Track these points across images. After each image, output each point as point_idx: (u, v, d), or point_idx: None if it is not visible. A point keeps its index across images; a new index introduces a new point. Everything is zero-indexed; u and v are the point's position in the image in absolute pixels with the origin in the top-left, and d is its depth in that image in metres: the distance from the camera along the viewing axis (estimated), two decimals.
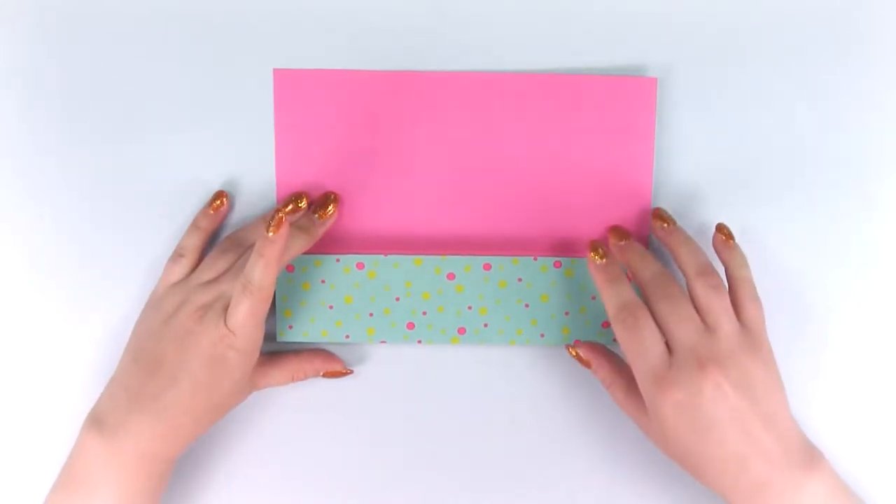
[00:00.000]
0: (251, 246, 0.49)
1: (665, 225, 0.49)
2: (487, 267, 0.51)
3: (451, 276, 0.50)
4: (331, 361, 0.52)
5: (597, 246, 0.48)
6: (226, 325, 0.46)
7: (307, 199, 0.50)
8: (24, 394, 0.52)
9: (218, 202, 0.51)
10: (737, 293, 0.46)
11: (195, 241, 0.50)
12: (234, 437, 0.52)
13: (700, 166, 0.52)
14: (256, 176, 0.51)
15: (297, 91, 0.50)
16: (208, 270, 0.49)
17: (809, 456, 0.44)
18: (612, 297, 0.47)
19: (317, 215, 0.50)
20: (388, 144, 0.51)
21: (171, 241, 0.51)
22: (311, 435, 0.52)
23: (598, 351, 0.49)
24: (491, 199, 0.51)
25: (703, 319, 0.45)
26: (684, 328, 0.44)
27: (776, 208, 0.52)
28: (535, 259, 0.51)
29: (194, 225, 0.51)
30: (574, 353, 0.49)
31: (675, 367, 0.44)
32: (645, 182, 0.51)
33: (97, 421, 0.46)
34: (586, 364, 0.49)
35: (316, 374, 0.51)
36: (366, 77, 0.50)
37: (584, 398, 0.52)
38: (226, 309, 0.46)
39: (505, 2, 0.50)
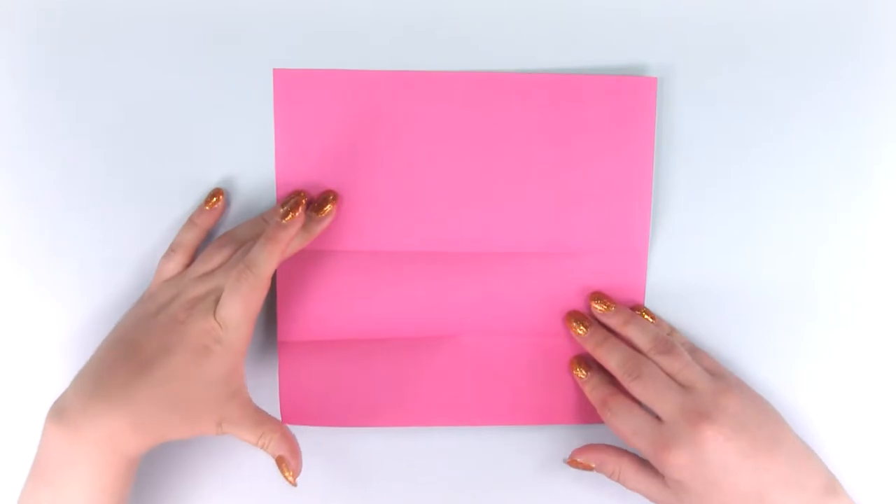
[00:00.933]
0: (247, 242, 0.48)
1: (605, 308, 0.51)
2: None
3: None
4: (294, 457, 0.47)
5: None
6: (215, 317, 0.45)
7: (306, 197, 0.49)
8: (20, 393, 0.52)
9: (214, 199, 0.50)
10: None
11: (190, 238, 0.50)
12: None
13: (700, 166, 0.52)
14: (256, 176, 0.51)
15: (296, 91, 0.50)
16: (203, 265, 0.48)
17: (827, 482, 0.45)
18: (591, 396, 0.50)
19: (315, 213, 0.49)
20: (387, 144, 0.51)
21: (171, 240, 0.51)
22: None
23: (595, 449, 0.50)
24: (490, 198, 0.51)
25: (676, 383, 0.47)
26: (664, 397, 0.46)
27: (777, 208, 0.52)
28: None
29: (190, 221, 0.51)
30: (573, 463, 0.50)
31: (668, 433, 0.46)
32: (645, 182, 0.51)
33: (59, 410, 0.44)
34: (587, 467, 0.50)
35: (273, 454, 0.46)
36: (366, 77, 0.50)
37: None
38: (217, 302, 0.45)
39: (505, 2, 0.50)
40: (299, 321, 0.51)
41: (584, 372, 0.51)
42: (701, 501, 0.45)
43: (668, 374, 0.47)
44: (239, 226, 0.51)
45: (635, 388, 0.47)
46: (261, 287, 0.46)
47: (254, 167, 0.51)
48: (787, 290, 0.52)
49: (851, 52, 0.51)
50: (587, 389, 0.50)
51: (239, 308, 0.45)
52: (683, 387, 0.47)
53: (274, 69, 0.50)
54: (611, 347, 0.49)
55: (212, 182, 0.51)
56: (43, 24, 0.51)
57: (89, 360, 0.46)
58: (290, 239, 0.46)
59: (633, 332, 0.49)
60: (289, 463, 0.46)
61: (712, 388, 0.46)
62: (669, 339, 0.49)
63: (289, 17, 0.50)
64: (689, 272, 0.52)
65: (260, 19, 0.50)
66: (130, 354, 0.45)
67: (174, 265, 0.50)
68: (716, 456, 0.44)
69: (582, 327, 0.50)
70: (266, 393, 0.51)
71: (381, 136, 0.50)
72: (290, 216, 0.46)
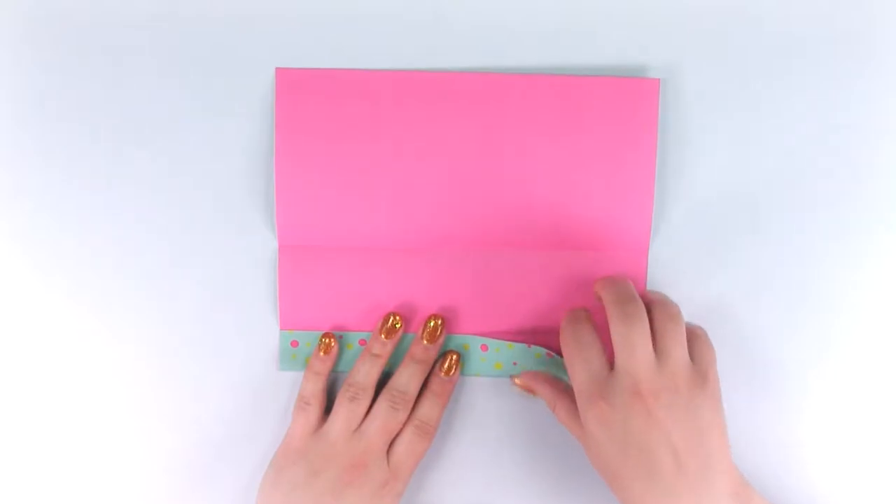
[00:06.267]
0: (369, 387, 0.50)
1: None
2: (484, 348, 0.52)
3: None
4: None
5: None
6: (389, 467, 0.49)
7: (399, 318, 0.51)
8: (24, 395, 0.53)
9: (327, 342, 0.51)
10: (689, 336, 0.46)
11: (318, 387, 0.50)
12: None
13: (702, 167, 0.51)
14: (256, 176, 0.51)
15: (298, 90, 0.50)
16: (347, 422, 0.49)
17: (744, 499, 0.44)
18: (566, 327, 0.48)
19: (426, 342, 0.51)
20: (388, 144, 0.51)
21: (171, 241, 0.52)
22: None
23: (539, 377, 0.50)
24: (492, 199, 0.51)
25: (655, 345, 0.45)
26: (631, 352, 0.44)
27: (778, 208, 0.51)
28: (529, 347, 0.52)
29: (311, 371, 0.51)
30: (518, 383, 0.51)
31: (609, 385, 0.44)
32: (647, 183, 0.50)
33: None
34: (530, 391, 0.51)
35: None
36: (367, 77, 0.50)
37: None
38: (380, 460, 0.48)
39: (507, 3, 0.50)
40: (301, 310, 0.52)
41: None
42: (611, 469, 0.44)
43: (654, 331, 0.45)
44: (356, 369, 0.50)
45: (617, 325, 0.45)
46: (431, 439, 0.50)
47: (254, 167, 0.51)
48: (787, 290, 0.52)
49: (853, 52, 0.51)
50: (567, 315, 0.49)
51: (416, 459, 0.49)
52: (658, 353, 0.45)
53: (277, 68, 0.50)
54: (614, 280, 0.47)
55: (211, 181, 0.51)
56: (44, 24, 0.51)
57: None
58: (452, 391, 0.51)
59: (650, 294, 0.49)
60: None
61: (684, 373, 0.44)
62: (678, 310, 0.46)
63: (290, 16, 0.50)
64: (690, 272, 0.52)
65: (261, 19, 0.51)
66: None
67: (313, 418, 0.50)
68: (641, 432, 0.43)
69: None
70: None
71: (382, 136, 0.50)
72: (453, 371, 0.51)
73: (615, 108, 0.50)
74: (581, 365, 0.46)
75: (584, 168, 0.50)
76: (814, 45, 0.51)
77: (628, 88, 0.50)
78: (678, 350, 0.45)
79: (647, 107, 0.50)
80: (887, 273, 0.52)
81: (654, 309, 0.46)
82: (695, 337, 0.47)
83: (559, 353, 0.50)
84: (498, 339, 0.52)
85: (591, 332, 0.47)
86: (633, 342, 0.44)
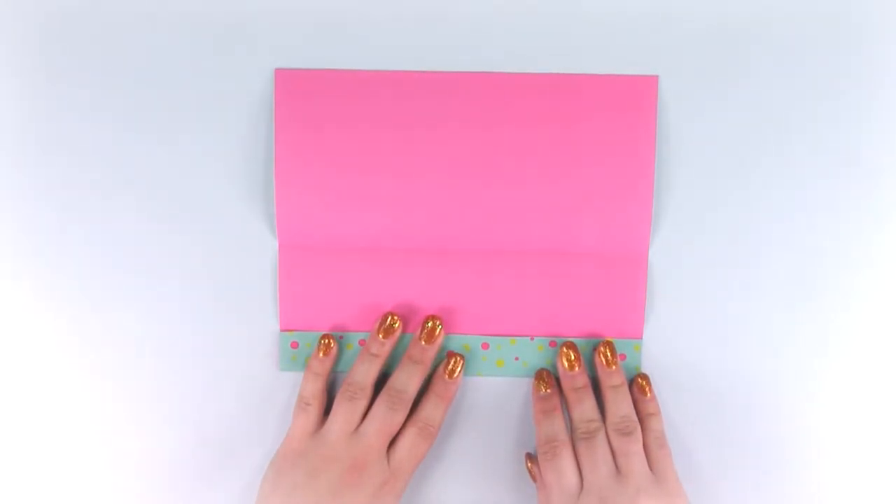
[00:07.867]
0: (367, 386, 0.50)
1: (607, 364, 0.51)
2: (485, 346, 0.52)
3: (450, 354, 0.52)
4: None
5: (543, 376, 0.51)
6: (389, 468, 0.49)
7: (399, 320, 0.51)
8: (24, 394, 0.53)
9: (326, 343, 0.51)
10: (645, 442, 0.49)
11: (317, 387, 0.51)
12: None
13: (700, 165, 0.51)
14: (256, 176, 0.52)
15: (297, 91, 0.50)
16: (347, 423, 0.49)
17: None
18: (544, 428, 0.50)
19: (424, 342, 0.51)
20: (387, 144, 0.51)
21: (170, 241, 0.52)
22: None
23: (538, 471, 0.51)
24: (491, 198, 0.51)
25: (616, 463, 0.48)
26: (595, 471, 0.48)
27: (776, 207, 0.51)
28: (532, 339, 0.52)
29: (311, 371, 0.51)
30: (529, 466, 0.52)
31: (580, 501, 0.47)
32: (646, 181, 0.50)
33: None
34: (534, 479, 0.52)
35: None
36: (366, 77, 0.50)
37: None
38: (380, 461, 0.48)
39: (505, 2, 0.50)
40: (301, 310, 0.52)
41: (544, 388, 0.51)
42: None
43: (613, 453, 0.48)
44: (354, 369, 0.51)
45: (579, 447, 0.49)
46: (433, 440, 0.50)
47: (254, 167, 0.51)
48: (787, 291, 0.52)
49: (852, 51, 0.51)
50: (540, 406, 0.51)
51: (418, 459, 0.50)
52: (619, 472, 0.48)
53: (275, 69, 0.50)
54: (584, 396, 0.50)
55: (211, 182, 0.52)
56: (45, 25, 0.51)
57: None
58: (455, 392, 0.51)
59: (613, 400, 0.50)
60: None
61: (644, 485, 0.47)
62: (634, 423, 0.49)
63: (289, 17, 0.51)
64: (690, 272, 0.52)
65: (260, 19, 0.51)
66: None
67: (313, 418, 0.50)
68: None
69: (574, 368, 0.51)
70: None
71: (381, 136, 0.51)
72: (455, 373, 0.51)
73: (614, 107, 0.50)
74: (556, 487, 0.48)
75: (583, 167, 0.50)
76: (814, 43, 0.51)
77: (627, 86, 0.50)
78: (636, 465, 0.48)
79: (646, 104, 0.50)
80: (887, 273, 0.52)
81: (611, 430, 0.49)
82: (647, 445, 0.49)
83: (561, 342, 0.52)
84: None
85: (568, 454, 0.49)
86: (594, 463, 0.48)
